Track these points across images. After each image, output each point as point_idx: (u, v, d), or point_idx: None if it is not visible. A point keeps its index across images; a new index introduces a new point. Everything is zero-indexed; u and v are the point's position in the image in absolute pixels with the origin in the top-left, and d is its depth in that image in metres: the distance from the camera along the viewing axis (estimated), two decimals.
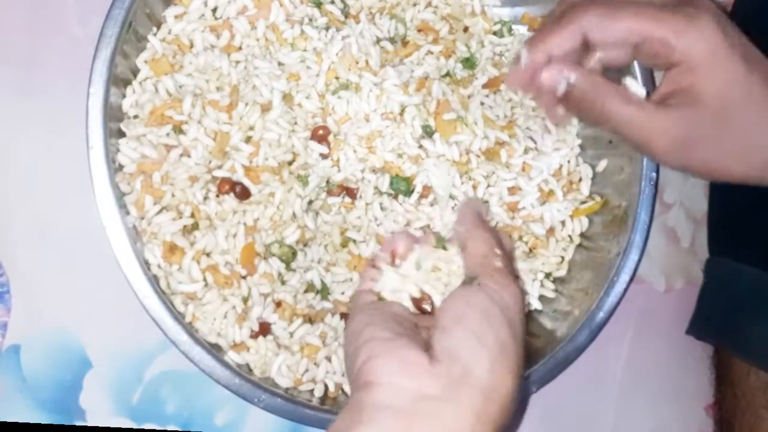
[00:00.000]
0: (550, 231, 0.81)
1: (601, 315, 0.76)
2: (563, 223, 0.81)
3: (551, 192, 0.80)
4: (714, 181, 0.68)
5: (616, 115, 0.61)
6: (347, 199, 0.78)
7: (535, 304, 0.80)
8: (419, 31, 0.82)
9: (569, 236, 0.81)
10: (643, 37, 0.60)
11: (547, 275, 0.81)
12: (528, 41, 0.64)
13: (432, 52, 0.81)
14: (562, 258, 0.81)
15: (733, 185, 0.80)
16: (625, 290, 0.76)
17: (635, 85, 0.63)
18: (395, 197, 0.78)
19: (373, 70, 0.77)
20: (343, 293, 0.78)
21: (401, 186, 0.77)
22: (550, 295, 0.81)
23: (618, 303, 0.76)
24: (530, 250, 0.81)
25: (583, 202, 0.81)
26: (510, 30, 0.84)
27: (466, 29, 0.83)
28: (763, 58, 0.62)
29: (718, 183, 0.82)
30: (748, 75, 0.59)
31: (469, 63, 0.81)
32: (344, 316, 0.77)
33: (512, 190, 0.79)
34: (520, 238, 0.80)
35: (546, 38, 0.62)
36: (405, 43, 0.81)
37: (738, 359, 0.81)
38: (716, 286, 0.82)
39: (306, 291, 0.77)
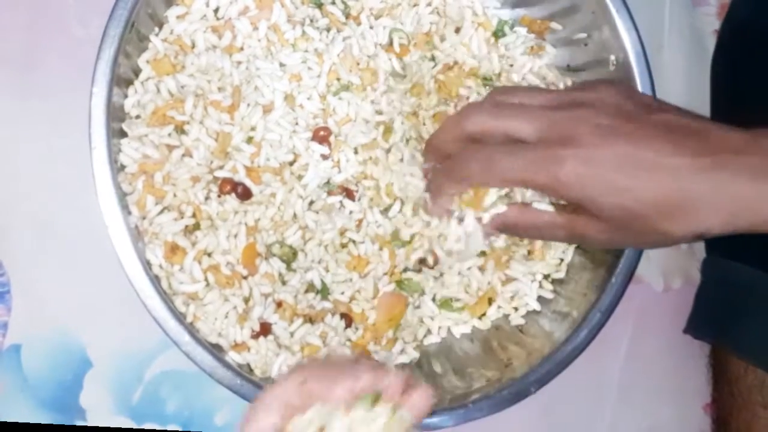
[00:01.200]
0: None
1: (599, 316, 0.76)
2: None
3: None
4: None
5: (544, 221, 0.66)
6: (347, 200, 0.78)
7: (534, 306, 0.81)
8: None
9: None
10: (524, 185, 0.64)
11: (546, 276, 0.82)
12: (428, 189, 0.70)
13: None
14: (561, 260, 0.81)
15: None
16: (624, 291, 0.76)
17: (542, 206, 0.66)
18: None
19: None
20: (342, 293, 0.78)
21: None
22: (549, 296, 0.81)
23: (616, 304, 0.76)
24: (528, 253, 0.81)
25: None
26: (512, 27, 0.84)
27: (457, 30, 0.83)
28: (653, 156, 0.61)
29: None
30: (628, 191, 0.60)
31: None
32: (344, 316, 0.78)
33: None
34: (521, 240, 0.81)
35: (442, 193, 0.68)
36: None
37: (734, 358, 0.81)
38: (713, 285, 0.83)
39: (306, 291, 0.77)
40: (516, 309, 0.82)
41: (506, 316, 0.82)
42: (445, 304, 0.80)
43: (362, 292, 0.79)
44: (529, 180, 0.62)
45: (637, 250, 0.76)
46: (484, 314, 0.82)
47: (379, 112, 0.79)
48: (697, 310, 0.84)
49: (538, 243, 0.81)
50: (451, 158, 0.67)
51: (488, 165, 0.64)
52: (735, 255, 0.79)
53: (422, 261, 0.79)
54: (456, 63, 0.82)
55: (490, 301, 0.81)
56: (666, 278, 0.90)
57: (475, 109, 0.66)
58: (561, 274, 0.82)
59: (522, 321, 0.82)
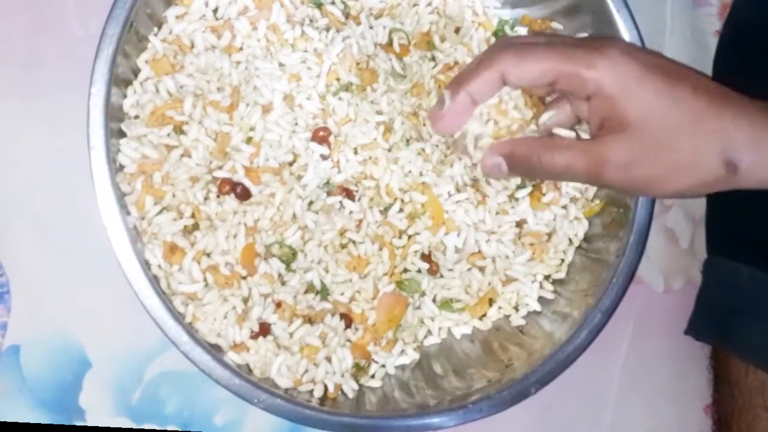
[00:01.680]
0: (550, 234, 0.81)
1: (600, 316, 0.76)
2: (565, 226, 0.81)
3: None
4: (662, 197, 0.69)
5: (557, 166, 0.63)
6: (347, 200, 0.78)
7: (535, 306, 0.81)
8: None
9: (569, 239, 0.81)
10: (555, 74, 0.61)
11: (546, 277, 0.82)
12: (449, 84, 0.65)
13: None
14: (562, 260, 0.81)
15: None
16: (624, 291, 0.76)
17: (564, 132, 0.65)
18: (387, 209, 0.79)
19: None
20: (342, 294, 0.78)
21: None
22: (550, 296, 0.81)
23: (617, 304, 0.76)
24: (531, 254, 0.81)
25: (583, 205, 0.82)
26: (512, 27, 0.84)
27: (457, 30, 0.83)
28: (690, 70, 0.62)
29: None
30: (670, 89, 0.60)
31: None
32: (344, 316, 0.77)
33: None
34: (520, 238, 0.81)
35: (465, 81, 0.64)
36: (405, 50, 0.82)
37: (735, 359, 0.81)
38: (714, 286, 0.83)
39: (306, 292, 0.77)
40: (516, 309, 0.82)
41: (507, 317, 0.82)
42: (446, 304, 0.80)
43: (362, 293, 0.78)
44: (563, 68, 0.60)
45: (639, 249, 0.76)
46: (484, 315, 0.82)
47: (379, 112, 0.79)
48: (698, 312, 0.84)
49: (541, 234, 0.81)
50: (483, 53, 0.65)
51: (522, 51, 0.62)
52: (736, 256, 0.79)
53: (427, 257, 0.79)
54: (456, 63, 0.82)
55: (491, 302, 0.81)
56: (667, 279, 0.89)
57: (499, 48, 0.64)
58: (561, 275, 0.82)
59: (522, 321, 0.81)
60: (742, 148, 0.59)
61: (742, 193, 0.78)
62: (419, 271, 0.80)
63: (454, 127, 0.66)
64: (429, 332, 0.81)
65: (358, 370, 0.78)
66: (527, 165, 0.64)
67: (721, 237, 0.83)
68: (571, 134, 0.64)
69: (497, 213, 0.80)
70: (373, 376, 0.79)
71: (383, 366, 0.79)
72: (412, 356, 0.80)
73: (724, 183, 0.61)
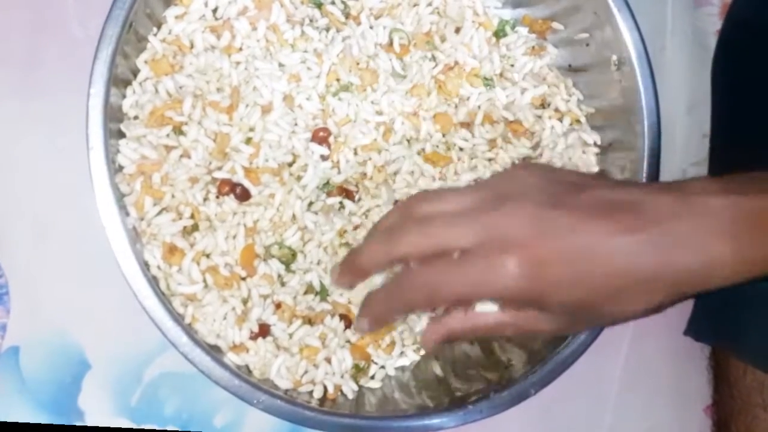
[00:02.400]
0: None
1: None
2: None
3: None
4: None
5: (491, 321, 0.64)
6: (347, 200, 0.78)
7: None
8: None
9: None
10: (473, 298, 0.63)
11: None
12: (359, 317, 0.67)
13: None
14: None
15: None
16: None
17: (485, 307, 0.64)
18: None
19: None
20: (341, 295, 0.78)
21: None
22: None
23: None
24: None
25: None
26: (513, 27, 0.84)
27: (457, 30, 0.83)
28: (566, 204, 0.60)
29: None
30: (570, 279, 0.59)
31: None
32: (343, 317, 0.77)
33: None
34: None
35: (385, 319, 0.67)
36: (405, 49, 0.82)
37: (734, 359, 0.81)
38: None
39: (305, 292, 0.77)
40: None
41: None
42: None
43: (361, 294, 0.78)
44: (478, 293, 0.61)
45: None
46: None
47: (379, 113, 0.79)
48: (696, 313, 0.84)
49: None
50: (388, 288, 0.65)
51: (434, 290, 0.61)
52: None
53: None
54: (456, 63, 0.81)
55: None
56: None
57: (400, 231, 0.62)
58: None
59: None
60: (664, 299, 0.60)
61: None
62: None
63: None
64: None
65: (358, 371, 0.78)
66: (467, 336, 0.68)
67: None
68: (493, 308, 0.63)
69: None
70: (372, 377, 0.78)
71: (383, 367, 0.79)
72: (411, 357, 0.80)
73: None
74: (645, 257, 0.58)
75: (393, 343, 0.79)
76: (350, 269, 0.66)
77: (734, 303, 0.79)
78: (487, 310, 0.63)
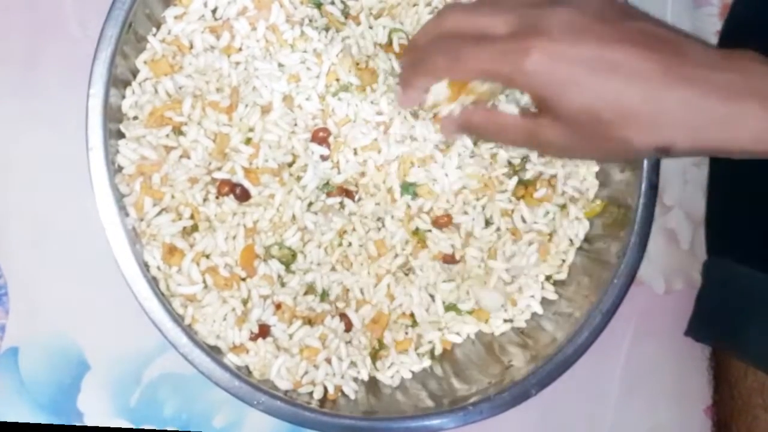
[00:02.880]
0: (551, 234, 0.81)
1: (600, 317, 0.76)
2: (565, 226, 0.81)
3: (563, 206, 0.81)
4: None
5: (500, 122, 0.65)
6: (347, 199, 0.78)
7: (537, 308, 0.80)
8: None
9: (570, 239, 0.81)
10: (489, 77, 0.63)
11: (548, 278, 0.81)
12: (399, 82, 0.69)
13: None
14: (563, 261, 0.81)
15: (728, 183, 0.80)
16: (625, 292, 0.76)
17: (508, 107, 0.66)
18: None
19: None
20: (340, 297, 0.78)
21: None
22: (552, 297, 0.81)
23: (618, 305, 0.76)
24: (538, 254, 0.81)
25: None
26: None
27: None
28: (627, 54, 0.60)
29: (716, 183, 0.83)
30: (599, 88, 0.59)
31: None
32: (343, 317, 0.77)
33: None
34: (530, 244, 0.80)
35: (410, 84, 0.67)
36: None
37: (735, 360, 0.81)
38: (713, 287, 0.82)
39: (306, 293, 0.77)
40: (521, 311, 0.81)
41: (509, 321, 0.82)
42: (452, 307, 0.80)
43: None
44: (494, 70, 0.61)
45: (640, 250, 0.76)
46: (488, 318, 0.81)
47: (379, 113, 0.79)
48: (697, 313, 0.83)
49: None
50: (420, 51, 0.67)
51: (454, 56, 0.63)
52: (736, 257, 0.79)
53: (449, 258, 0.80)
54: None
55: None
56: (667, 280, 0.89)
57: (453, 7, 0.66)
58: (563, 276, 0.81)
59: (524, 324, 0.81)
60: (676, 133, 0.59)
61: (741, 192, 0.78)
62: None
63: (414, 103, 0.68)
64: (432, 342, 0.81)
65: (376, 353, 0.78)
66: (475, 129, 0.67)
67: (721, 238, 0.83)
68: (514, 110, 0.65)
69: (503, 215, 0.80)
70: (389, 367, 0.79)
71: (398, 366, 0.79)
72: (424, 364, 0.80)
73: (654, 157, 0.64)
74: (670, 88, 0.58)
75: (410, 340, 0.79)
76: (408, 50, 0.69)
77: (734, 303, 0.79)
78: (508, 109, 0.65)
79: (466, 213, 0.80)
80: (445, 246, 0.79)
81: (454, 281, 0.80)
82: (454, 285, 0.79)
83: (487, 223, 0.80)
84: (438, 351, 0.81)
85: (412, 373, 0.80)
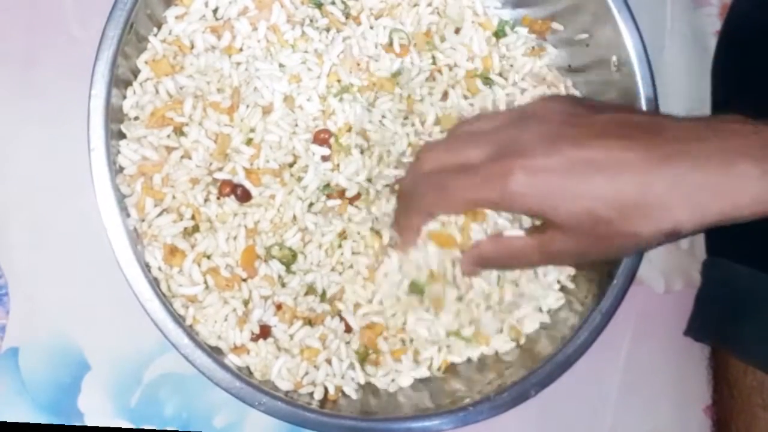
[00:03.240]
0: None
1: (600, 317, 0.76)
2: None
3: None
4: None
5: (520, 261, 0.67)
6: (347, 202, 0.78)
7: (545, 319, 0.80)
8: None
9: None
10: (477, 207, 0.64)
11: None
12: (394, 227, 0.72)
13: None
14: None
15: None
16: (625, 292, 0.76)
17: (513, 232, 0.66)
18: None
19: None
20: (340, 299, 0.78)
21: None
22: (561, 302, 0.81)
23: (617, 305, 0.76)
24: None
25: None
26: (513, 28, 0.84)
27: (457, 31, 0.83)
28: (604, 149, 0.60)
29: None
30: (587, 193, 0.59)
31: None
32: (343, 318, 0.77)
33: None
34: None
35: (406, 227, 0.68)
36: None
37: (734, 359, 0.81)
38: (712, 286, 0.83)
39: (306, 294, 0.77)
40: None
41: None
42: (454, 332, 0.79)
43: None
44: (483, 198, 0.62)
45: (638, 252, 0.76)
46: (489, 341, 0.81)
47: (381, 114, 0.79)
48: (696, 313, 0.84)
49: None
50: (408, 194, 0.68)
51: (442, 191, 0.64)
52: (735, 256, 0.79)
53: None
54: (456, 65, 0.81)
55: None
56: (667, 280, 0.89)
57: (430, 147, 0.67)
58: (571, 277, 0.81)
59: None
60: (678, 214, 0.58)
61: None
62: None
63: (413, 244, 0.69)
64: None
65: (366, 356, 0.78)
66: (498, 262, 0.68)
67: (720, 238, 0.83)
68: (520, 233, 0.66)
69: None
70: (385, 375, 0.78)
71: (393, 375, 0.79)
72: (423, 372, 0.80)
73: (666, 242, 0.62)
74: (657, 171, 0.57)
75: (405, 349, 0.79)
76: (398, 198, 0.71)
77: (733, 303, 0.80)
78: (513, 234, 0.66)
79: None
80: None
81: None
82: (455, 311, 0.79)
83: None
84: (436, 365, 0.80)
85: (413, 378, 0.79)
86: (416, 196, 0.66)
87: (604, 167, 0.58)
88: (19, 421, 0.79)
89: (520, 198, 0.60)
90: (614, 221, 0.59)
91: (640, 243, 0.61)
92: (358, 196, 0.77)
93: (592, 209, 0.59)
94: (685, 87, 0.89)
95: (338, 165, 0.77)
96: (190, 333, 0.72)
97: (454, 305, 0.73)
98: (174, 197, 0.74)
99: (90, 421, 0.80)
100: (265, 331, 0.75)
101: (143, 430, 0.81)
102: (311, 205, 0.77)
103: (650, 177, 0.57)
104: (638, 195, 0.58)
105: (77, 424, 0.80)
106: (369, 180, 0.77)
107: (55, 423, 0.80)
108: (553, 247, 0.62)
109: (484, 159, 0.62)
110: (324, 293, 0.77)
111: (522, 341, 0.80)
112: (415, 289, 0.74)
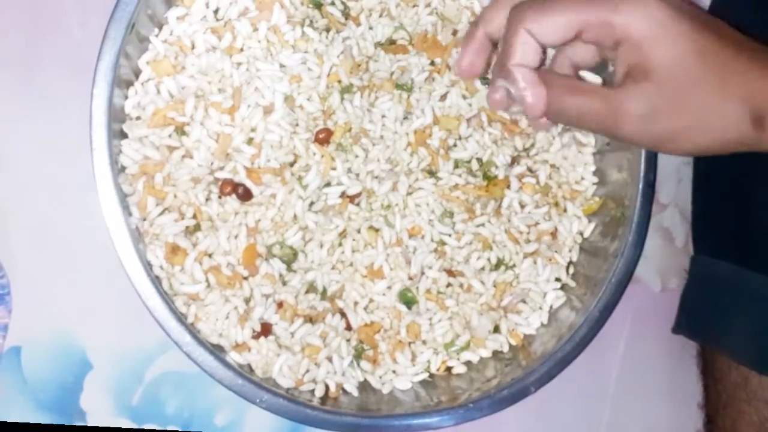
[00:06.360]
0: (554, 233, 0.81)
1: (598, 315, 0.76)
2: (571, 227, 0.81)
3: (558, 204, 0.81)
4: (681, 154, 0.67)
5: (576, 108, 0.61)
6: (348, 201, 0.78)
7: (543, 320, 0.81)
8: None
9: (574, 238, 0.81)
10: (581, 23, 0.59)
11: (557, 279, 0.82)
12: (497, 73, 0.64)
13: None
14: (569, 261, 0.82)
15: (712, 180, 0.81)
16: (623, 290, 0.77)
17: (590, 76, 0.64)
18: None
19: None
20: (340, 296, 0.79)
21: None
22: (561, 301, 0.81)
23: (615, 303, 0.77)
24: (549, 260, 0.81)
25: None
26: None
27: (455, 33, 0.83)
28: (715, 19, 0.60)
29: (700, 181, 0.83)
30: (698, 37, 0.58)
31: None
32: (344, 316, 0.78)
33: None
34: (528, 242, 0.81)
35: (508, 60, 0.62)
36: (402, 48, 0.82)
37: (720, 355, 0.82)
38: (696, 283, 0.83)
39: (307, 291, 0.77)
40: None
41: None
42: (450, 344, 0.80)
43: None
44: (590, 16, 0.58)
45: (637, 248, 0.76)
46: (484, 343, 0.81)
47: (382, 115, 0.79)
48: (682, 310, 0.84)
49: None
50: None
51: (543, 4, 0.60)
52: (719, 253, 0.80)
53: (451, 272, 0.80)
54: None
55: (497, 329, 0.81)
56: (663, 278, 0.89)
57: None
58: (569, 278, 0.82)
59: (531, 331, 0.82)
60: None
61: (725, 190, 0.78)
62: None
63: (473, 69, 0.65)
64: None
65: (361, 353, 0.78)
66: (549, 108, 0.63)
67: (706, 235, 0.84)
68: (597, 80, 0.63)
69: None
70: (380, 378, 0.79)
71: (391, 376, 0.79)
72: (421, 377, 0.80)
73: (750, 141, 0.59)
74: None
75: (402, 344, 0.79)
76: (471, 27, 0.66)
77: (717, 299, 0.80)
78: (589, 78, 0.63)
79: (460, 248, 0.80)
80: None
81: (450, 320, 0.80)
82: (448, 324, 0.80)
83: (485, 245, 0.80)
84: (434, 368, 0.80)
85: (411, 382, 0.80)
86: (514, 10, 0.62)
87: (716, 29, 0.58)
88: (22, 419, 0.79)
89: (630, 15, 0.58)
90: (707, 82, 0.58)
91: (722, 121, 0.59)
92: (358, 195, 0.77)
93: (690, 59, 0.58)
94: None
95: (339, 164, 0.78)
96: (192, 331, 0.72)
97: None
98: (175, 196, 0.74)
99: (92, 420, 0.80)
100: (266, 329, 0.75)
101: (144, 430, 0.81)
102: (312, 204, 0.77)
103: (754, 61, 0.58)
104: (739, 64, 0.58)
105: (79, 424, 0.80)
106: (369, 179, 0.78)
107: (57, 422, 0.80)
108: (624, 103, 0.59)
109: None
110: (324, 291, 0.77)
111: (522, 340, 0.80)
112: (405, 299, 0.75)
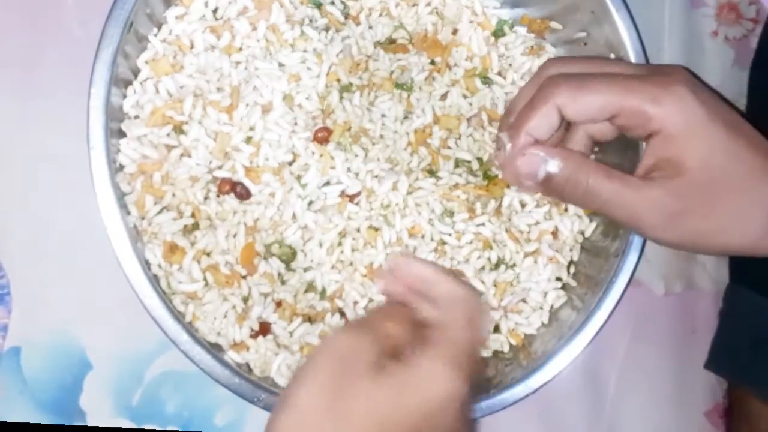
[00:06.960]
0: (555, 233, 0.81)
1: (598, 315, 0.76)
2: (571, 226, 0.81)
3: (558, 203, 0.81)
4: (709, 254, 0.65)
5: (601, 193, 0.61)
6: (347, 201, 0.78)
7: (544, 320, 0.80)
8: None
9: (575, 239, 0.81)
10: (616, 108, 0.59)
11: (557, 279, 0.81)
12: (508, 128, 0.65)
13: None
14: (570, 261, 0.81)
15: None
16: (624, 291, 0.76)
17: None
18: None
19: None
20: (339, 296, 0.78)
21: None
22: (562, 301, 0.81)
23: (616, 304, 0.76)
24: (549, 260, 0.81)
25: None
26: (512, 27, 0.84)
27: (455, 32, 0.83)
28: (745, 123, 0.60)
29: None
30: (731, 141, 0.58)
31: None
32: (344, 315, 0.77)
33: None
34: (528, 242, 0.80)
35: (524, 122, 0.63)
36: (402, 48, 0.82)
37: (753, 397, 0.80)
38: (737, 319, 0.81)
39: (306, 291, 0.77)
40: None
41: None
42: None
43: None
44: (628, 103, 0.58)
45: (638, 249, 0.75)
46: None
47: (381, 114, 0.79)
48: (718, 345, 0.82)
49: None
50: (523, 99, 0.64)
51: (580, 82, 0.60)
52: (760, 287, 0.78)
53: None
54: (456, 65, 0.82)
55: (497, 328, 0.81)
56: (667, 282, 0.88)
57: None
58: (571, 276, 0.81)
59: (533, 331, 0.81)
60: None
61: None
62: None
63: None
64: None
65: None
66: (571, 188, 0.62)
67: (745, 266, 0.81)
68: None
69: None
70: None
71: None
72: None
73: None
74: None
75: None
76: (512, 130, 0.65)
77: (757, 339, 0.78)
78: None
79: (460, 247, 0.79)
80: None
81: None
82: None
83: (485, 244, 0.80)
84: None
85: None
86: (546, 85, 0.62)
87: (750, 142, 0.59)
88: (21, 420, 0.79)
89: (675, 109, 0.57)
90: (736, 183, 0.58)
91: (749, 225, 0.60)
92: (357, 194, 0.77)
93: (726, 161, 0.57)
94: None
95: (338, 163, 0.77)
96: (190, 330, 0.72)
97: None
98: (174, 195, 0.74)
99: (92, 420, 0.80)
100: (264, 328, 0.75)
101: (144, 430, 0.81)
102: (311, 203, 0.77)
103: None
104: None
105: (79, 424, 0.80)
106: (369, 179, 0.77)
107: (57, 422, 0.80)
108: (658, 198, 0.59)
109: (634, 73, 0.59)
110: (324, 291, 0.77)
111: (522, 340, 0.80)
112: None
